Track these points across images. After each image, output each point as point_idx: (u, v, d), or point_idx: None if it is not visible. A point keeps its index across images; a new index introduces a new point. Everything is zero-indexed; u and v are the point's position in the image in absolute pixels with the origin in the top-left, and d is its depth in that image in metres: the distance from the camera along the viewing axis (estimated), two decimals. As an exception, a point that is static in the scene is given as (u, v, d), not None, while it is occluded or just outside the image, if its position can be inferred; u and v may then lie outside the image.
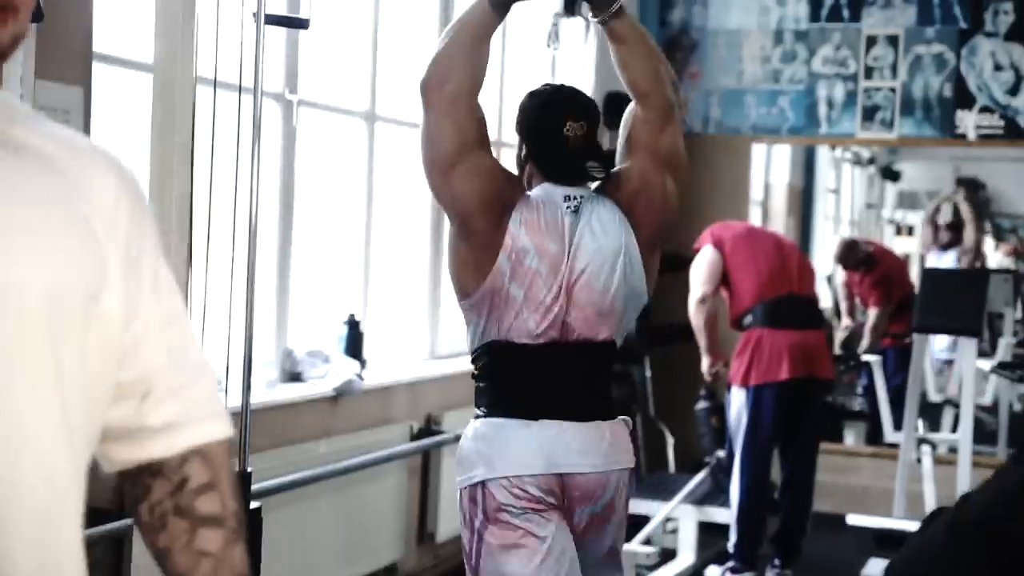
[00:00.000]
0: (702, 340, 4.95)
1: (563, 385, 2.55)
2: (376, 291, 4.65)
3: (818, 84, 6.45)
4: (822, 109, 6.46)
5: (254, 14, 2.60)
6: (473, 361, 2.63)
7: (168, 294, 1.19)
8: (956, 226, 8.19)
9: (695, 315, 4.89)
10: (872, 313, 7.14)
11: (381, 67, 4.64)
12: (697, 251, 4.96)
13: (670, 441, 6.38)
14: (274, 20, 2.64)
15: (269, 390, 3.88)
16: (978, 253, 7.96)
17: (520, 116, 2.65)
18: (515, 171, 2.66)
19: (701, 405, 5.31)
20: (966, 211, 7.93)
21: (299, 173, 4.20)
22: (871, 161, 10.26)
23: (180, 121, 2.36)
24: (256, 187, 2.65)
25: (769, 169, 8.90)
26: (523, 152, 2.67)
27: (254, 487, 3.53)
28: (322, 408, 4.11)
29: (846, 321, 7.80)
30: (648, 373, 6.52)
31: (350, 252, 4.58)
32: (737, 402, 4.85)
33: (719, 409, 5.18)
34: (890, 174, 10.26)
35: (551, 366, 2.54)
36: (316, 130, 4.34)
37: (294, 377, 4.16)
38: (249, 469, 2.79)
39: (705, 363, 5.01)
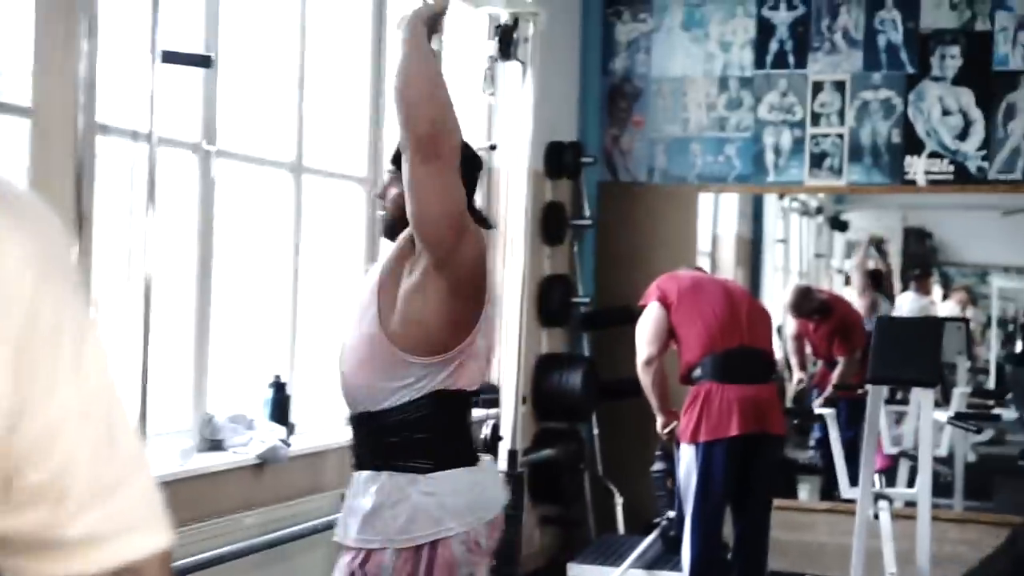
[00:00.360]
0: (653, 400, 4.75)
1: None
2: (303, 351, 4.41)
3: (765, 131, 6.36)
4: (769, 156, 6.37)
5: (150, 51, 2.37)
6: (403, 414, 2.49)
7: (96, 374, 0.96)
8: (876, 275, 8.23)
9: (642, 376, 4.70)
10: (841, 361, 7.00)
11: (308, 115, 4.42)
12: (643, 307, 4.76)
13: (619, 500, 6.19)
14: (173, 58, 2.41)
15: (185, 460, 3.61)
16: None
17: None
18: None
19: (657, 467, 5.08)
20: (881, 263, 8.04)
21: (219, 228, 3.98)
22: (819, 211, 10.20)
23: (59, 169, 2.12)
24: (148, 241, 2.40)
25: (717, 219, 8.81)
26: None
27: (173, 564, 3.30)
28: (246, 477, 3.88)
29: (798, 375, 7.64)
30: (596, 431, 6.36)
31: (275, 310, 4.37)
32: (686, 459, 4.64)
33: (674, 471, 4.96)
34: (838, 224, 10.20)
35: (468, 411, 2.61)
36: (238, 182, 4.11)
37: (215, 445, 3.91)
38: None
39: (659, 422, 4.81)
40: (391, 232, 2.58)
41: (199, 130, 3.85)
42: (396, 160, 2.52)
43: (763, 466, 4.70)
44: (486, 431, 4.33)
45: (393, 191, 2.54)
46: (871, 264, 8.61)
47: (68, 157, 2.24)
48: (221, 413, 3.97)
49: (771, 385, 4.75)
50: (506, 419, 4.57)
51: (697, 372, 4.63)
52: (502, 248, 4.96)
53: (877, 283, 8.21)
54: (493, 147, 4.05)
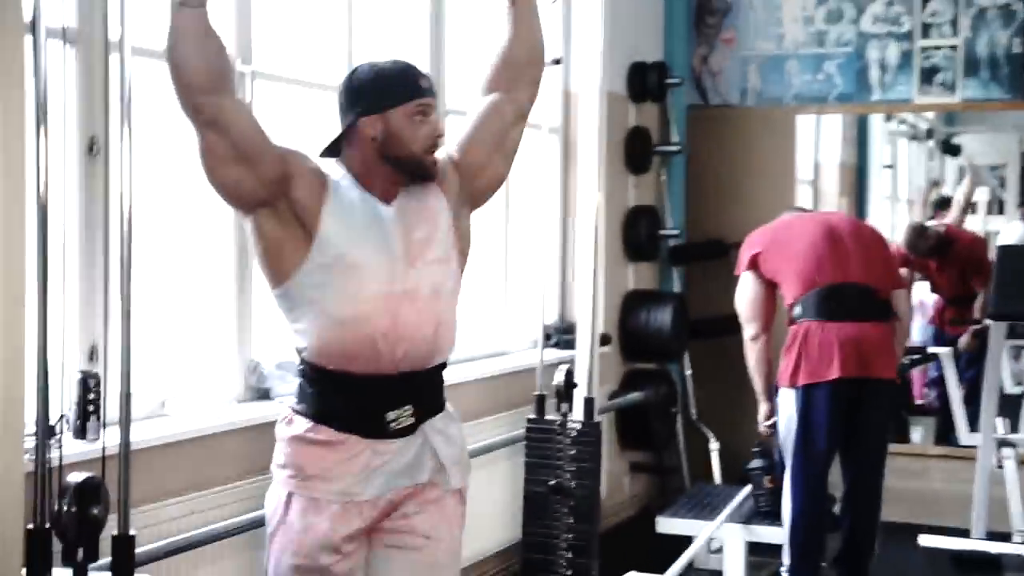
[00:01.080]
0: (756, 383, 4.46)
1: None
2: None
3: (868, 45, 5.97)
4: (874, 73, 5.99)
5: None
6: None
7: None
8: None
9: (747, 354, 4.44)
10: (980, 294, 6.35)
11: (359, 28, 4.02)
12: (738, 276, 4.48)
13: (714, 446, 5.92)
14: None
15: (228, 409, 3.29)
16: None
17: None
18: None
19: (755, 464, 4.73)
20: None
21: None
22: (929, 135, 9.62)
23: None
24: (129, 170, 2.05)
25: (818, 145, 8.33)
26: None
27: (216, 524, 3.04)
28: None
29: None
30: (688, 372, 6.13)
31: None
32: (786, 405, 4.30)
33: (774, 467, 4.57)
34: (950, 148, 9.61)
35: None
36: (280, 108, 3.75)
37: (262, 394, 3.58)
38: (132, 532, 2.19)
39: (762, 411, 4.51)
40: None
41: (231, 48, 3.48)
42: None
43: (871, 413, 4.31)
44: (559, 377, 3.96)
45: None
46: (980, 193, 7.99)
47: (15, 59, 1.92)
48: (268, 360, 3.64)
49: (880, 324, 4.31)
50: (581, 362, 4.20)
51: (797, 310, 4.31)
52: (578, 176, 4.62)
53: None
54: (557, 61, 3.66)
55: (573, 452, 3.93)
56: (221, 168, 2.32)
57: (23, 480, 2.39)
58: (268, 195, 2.34)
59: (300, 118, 3.81)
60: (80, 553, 2.20)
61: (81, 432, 2.76)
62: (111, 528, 2.30)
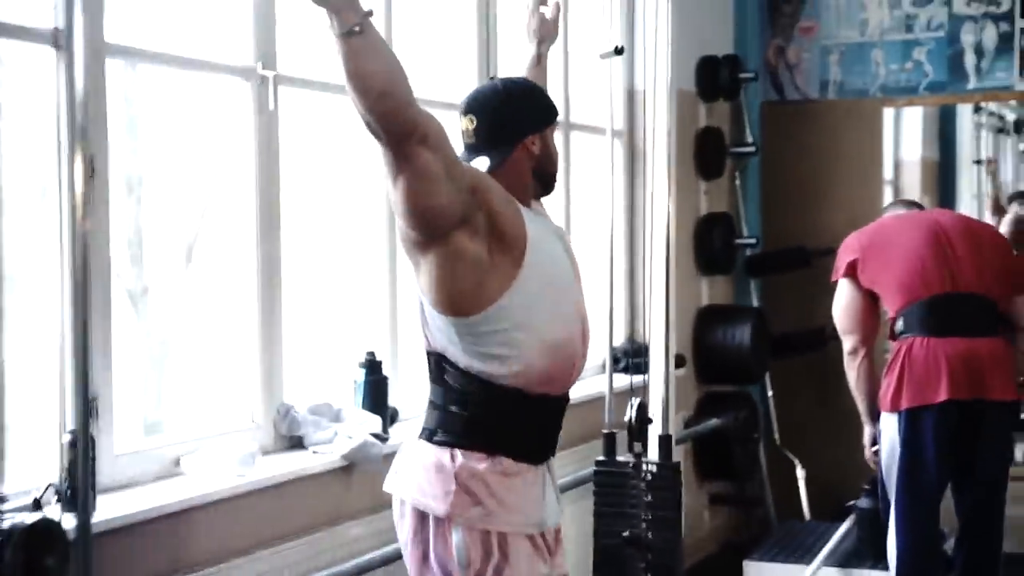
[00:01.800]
0: (860, 402, 4.12)
1: None
2: (404, 322, 3.67)
3: (963, 28, 5.71)
4: (969, 59, 5.73)
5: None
6: None
7: None
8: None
9: (847, 370, 4.11)
10: None
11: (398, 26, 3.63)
12: (834, 284, 4.15)
13: (801, 474, 5.62)
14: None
15: (245, 468, 2.87)
16: None
17: None
18: None
19: (863, 503, 4.41)
20: None
21: (285, 173, 3.24)
22: (1018, 127, 9.11)
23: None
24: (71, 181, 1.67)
25: (899, 140, 7.94)
26: None
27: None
28: (328, 483, 3.16)
29: None
30: (770, 393, 5.83)
31: (364, 272, 3.65)
32: (888, 431, 3.92)
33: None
34: (1044, 140, 9.13)
35: None
36: (307, 116, 3.40)
37: (295, 443, 3.19)
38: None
39: (866, 435, 4.15)
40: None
41: (251, 51, 3.11)
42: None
43: (988, 439, 3.92)
44: (630, 412, 3.51)
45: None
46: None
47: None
48: (301, 403, 3.24)
49: (994, 339, 3.90)
50: (655, 392, 3.75)
51: (899, 325, 3.97)
52: (646, 183, 4.26)
53: None
54: (619, 51, 3.32)
55: (649, 499, 3.46)
56: (437, 187, 2.18)
57: None
58: (467, 209, 2.24)
59: (325, 124, 3.50)
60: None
61: (71, 503, 2.40)
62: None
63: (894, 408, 3.87)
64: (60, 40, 2.52)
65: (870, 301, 4.05)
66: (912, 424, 3.84)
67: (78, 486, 2.33)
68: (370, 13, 2.03)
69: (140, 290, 3.17)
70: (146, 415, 3.12)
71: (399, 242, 2.36)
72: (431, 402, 2.40)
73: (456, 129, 2.43)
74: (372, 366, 3.39)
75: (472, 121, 2.39)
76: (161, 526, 2.60)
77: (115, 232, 2.70)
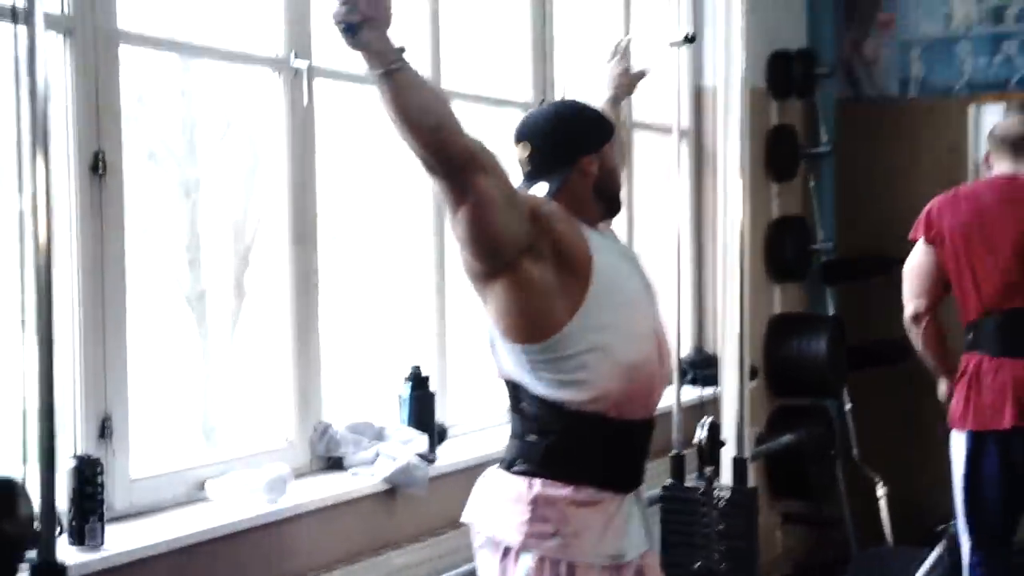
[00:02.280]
0: (930, 363, 3.84)
1: None
2: (453, 334, 3.45)
3: None
4: None
5: None
6: None
7: None
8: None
9: (911, 336, 3.80)
10: None
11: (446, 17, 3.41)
12: (913, 241, 3.80)
13: (882, 492, 5.33)
14: None
15: (274, 495, 2.65)
16: None
17: None
18: None
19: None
20: None
21: (322, 172, 3.03)
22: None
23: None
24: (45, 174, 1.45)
25: (978, 141, 7.60)
26: None
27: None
28: (369, 509, 2.92)
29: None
30: (848, 407, 5.55)
31: (409, 280, 3.44)
32: (956, 450, 3.71)
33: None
34: None
35: None
36: (345, 111, 3.20)
37: (334, 463, 2.97)
38: None
39: (941, 389, 3.87)
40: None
41: (282, 42, 2.90)
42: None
43: None
44: (701, 434, 3.24)
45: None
46: None
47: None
48: (340, 421, 3.02)
49: None
50: (728, 410, 3.49)
51: (969, 337, 3.72)
52: (714, 185, 4.05)
53: None
54: (690, 39, 3.10)
55: (722, 527, 3.22)
56: (498, 215, 2.13)
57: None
58: (530, 234, 2.20)
59: (359, 116, 3.31)
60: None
61: (78, 536, 2.21)
62: None
63: (961, 426, 3.67)
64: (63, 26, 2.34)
65: (944, 272, 3.72)
66: (975, 447, 3.66)
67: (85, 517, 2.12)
68: (403, 49, 2.00)
69: (197, 295, 3.03)
70: (204, 420, 3.02)
71: (459, 263, 2.26)
72: (511, 432, 2.35)
73: (511, 155, 2.35)
74: (418, 381, 3.18)
75: (526, 148, 2.36)
76: (181, 559, 2.38)
77: (171, 236, 2.54)
